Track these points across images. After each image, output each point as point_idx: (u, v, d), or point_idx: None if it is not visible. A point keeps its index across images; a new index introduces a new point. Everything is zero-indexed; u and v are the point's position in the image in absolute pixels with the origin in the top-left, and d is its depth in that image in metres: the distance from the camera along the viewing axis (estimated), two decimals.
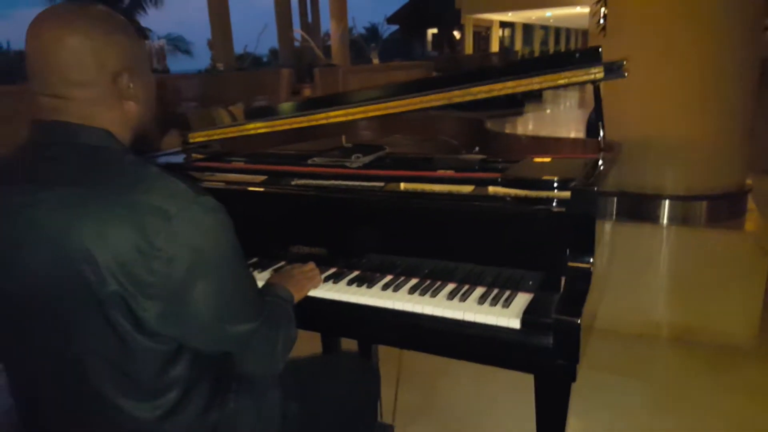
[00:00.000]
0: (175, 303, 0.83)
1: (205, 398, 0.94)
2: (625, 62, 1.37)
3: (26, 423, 1.00)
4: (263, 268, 1.42)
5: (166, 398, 0.89)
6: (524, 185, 1.24)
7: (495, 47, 24.10)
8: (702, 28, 2.12)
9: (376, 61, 13.75)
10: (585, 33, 19.15)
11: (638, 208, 2.30)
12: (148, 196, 0.82)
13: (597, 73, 1.38)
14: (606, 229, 1.42)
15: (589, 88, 1.52)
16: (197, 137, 1.93)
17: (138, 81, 0.93)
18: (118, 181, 0.84)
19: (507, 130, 2.48)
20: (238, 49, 13.37)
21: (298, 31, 14.31)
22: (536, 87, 1.47)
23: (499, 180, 1.28)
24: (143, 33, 21.08)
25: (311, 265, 1.32)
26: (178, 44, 22.27)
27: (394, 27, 28.86)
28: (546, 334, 1.08)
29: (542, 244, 1.19)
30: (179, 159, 1.83)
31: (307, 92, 9.05)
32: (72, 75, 0.86)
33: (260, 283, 1.21)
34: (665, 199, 2.25)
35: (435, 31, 29.57)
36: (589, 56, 1.41)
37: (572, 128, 6.97)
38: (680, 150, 2.22)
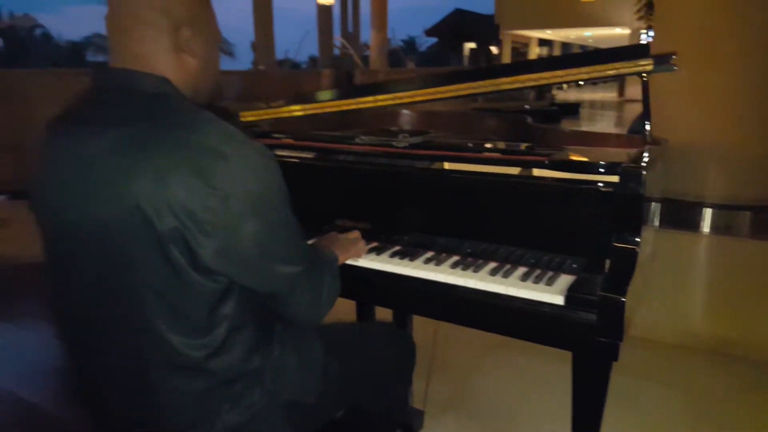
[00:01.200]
0: (228, 240, 0.87)
1: (250, 341, 0.97)
2: (674, 56, 1.38)
3: (75, 360, 1.04)
4: (309, 239, 1.46)
5: (213, 336, 0.92)
6: (572, 168, 1.25)
7: None
8: (748, 34, 2.10)
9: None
10: None
11: (680, 215, 2.27)
12: (205, 137, 0.86)
13: (646, 65, 1.39)
14: (649, 233, 1.41)
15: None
16: (248, 116, 2.00)
17: (199, 39, 0.98)
18: (176, 123, 0.88)
19: None
20: (279, 55, 13.67)
21: (338, 39, 14.53)
22: (584, 77, 1.48)
23: (547, 162, 1.29)
24: None
25: (356, 233, 1.35)
26: (222, 46, 22.71)
27: (432, 40, 29.03)
28: (590, 310, 1.09)
29: (588, 226, 1.20)
30: None
31: None
32: (138, 10, 0.91)
33: None
34: (708, 207, 2.22)
35: (473, 45, 29.63)
36: (639, 50, 1.42)
37: None
38: (725, 158, 2.20)
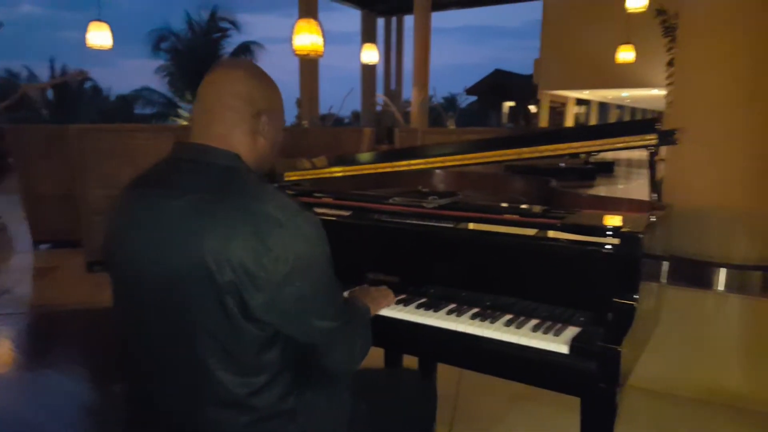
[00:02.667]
0: (276, 294, 1.02)
1: (287, 384, 1.11)
2: (677, 131, 1.53)
3: (134, 395, 1.19)
4: (343, 290, 1.63)
5: (258, 378, 1.07)
6: (580, 231, 1.40)
7: (570, 122, 24.23)
8: (761, 106, 2.24)
9: (452, 127, 14.22)
10: (661, 114, 19.01)
11: (694, 274, 2.36)
12: (265, 205, 1.03)
13: (651, 139, 1.55)
14: (652, 290, 1.53)
15: (662, 166, 1.68)
16: (292, 176, 2.22)
17: (272, 125, 1.18)
18: (242, 192, 1.05)
19: None
20: (323, 109, 14.27)
21: (380, 96, 15.08)
22: (596, 149, 1.65)
23: (559, 225, 1.45)
24: None
25: (385, 287, 1.51)
26: None
27: (472, 98, 29.71)
28: (591, 359, 1.22)
29: (592, 283, 1.34)
30: None
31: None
32: (227, 98, 1.11)
33: None
34: (722, 267, 2.30)
35: (512, 103, 30.13)
36: (646, 125, 1.58)
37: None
38: (738, 221, 2.29)
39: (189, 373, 1.07)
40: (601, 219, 1.49)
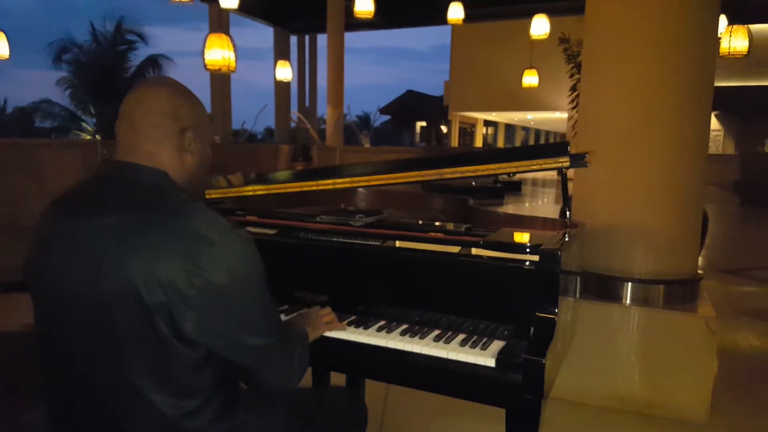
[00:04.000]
0: (208, 314, 1.01)
1: (219, 406, 1.09)
2: (587, 154, 1.65)
3: (58, 419, 1.12)
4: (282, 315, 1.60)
5: (191, 400, 1.05)
6: (502, 248, 1.47)
7: (479, 143, 25.34)
8: (658, 131, 2.46)
9: (367, 145, 14.40)
10: (563, 136, 20.42)
11: (604, 288, 2.54)
12: (194, 224, 1.02)
13: (564, 162, 1.66)
14: (569, 304, 1.63)
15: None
16: (213, 194, 2.16)
17: (198, 141, 1.16)
18: (170, 211, 1.04)
19: None
20: (235, 125, 13.97)
21: (295, 113, 15.01)
22: (513, 170, 1.74)
23: (481, 243, 1.51)
24: None
25: (328, 309, 1.49)
26: None
27: (386, 117, 30.31)
28: (516, 371, 1.27)
29: (515, 298, 1.41)
30: None
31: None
32: (152, 116, 1.09)
33: None
34: (628, 281, 2.49)
35: (424, 123, 31.02)
36: (559, 148, 1.69)
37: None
38: (641, 237, 2.49)
39: (117, 396, 1.03)
40: (520, 237, 1.57)
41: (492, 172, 1.75)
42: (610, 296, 2.52)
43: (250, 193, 2.13)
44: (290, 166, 7.50)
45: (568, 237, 1.57)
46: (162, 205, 1.05)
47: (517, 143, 31.54)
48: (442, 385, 1.38)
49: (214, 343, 1.05)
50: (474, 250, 1.52)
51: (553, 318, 1.33)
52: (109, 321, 1.00)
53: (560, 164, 1.68)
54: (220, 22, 11.49)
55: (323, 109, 15.30)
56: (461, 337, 1.42)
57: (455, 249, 1.54)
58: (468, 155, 1.81)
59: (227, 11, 11.43)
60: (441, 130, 25.49)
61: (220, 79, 12.39)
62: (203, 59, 7.40)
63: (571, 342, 1.74)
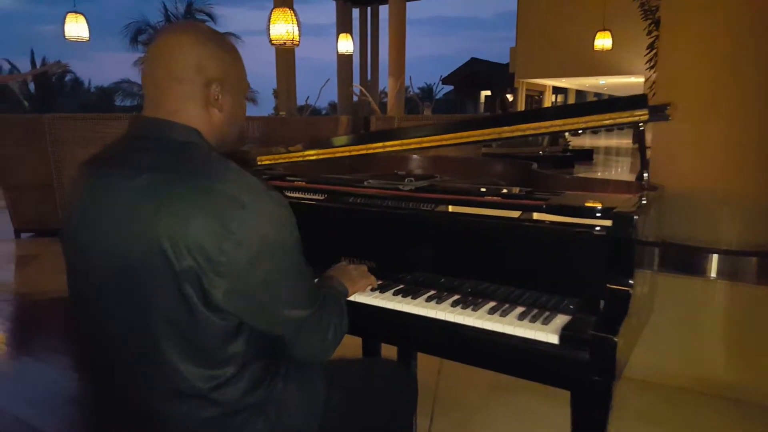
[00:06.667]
0: (239, 282, 0.93)
1: (255, 377, 1.02)
2: (668, 106, 1.44)
3: (98, 384, 1.10)
4: (316, 276, 1.52)
5: (222, 370, 0.98)
6: (568, 212, 1.31)
7: None
8: (747, 85, 2.17)
9: (429, 115, 14.13)
10: None
11: (686, 260, 2.29)
12: (226, 185, 0.94)
13: (641, 115, 1.46)
14: (645, 276, 1.44)
15: None
16: (264, 160, 2.10)
17: (227, 95, 1.06)
18: (201, 170, 0.96)
19: None
20: (300, 100, 14.07)
21: (357, 86, 14.92)
22: (582, 126, 1.55)
23: (545, 207, 1.35)
24: None
25: (364, 266, 1.42)
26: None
27: (449, 87, 29.66)
28: (583, 349, 1.12)
29: (583, 268, 1.25)
30: None
31: None
32: (174, 68, 1.01)
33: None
34: (714, 252, 2.24)
35: (488, 93, 30.18)
36: (635, 101, 1.49)
37: None
38: (731, 204, 2.23)
39: (148, 364, 0.98)
40: (590, 200, 1.40)
41: (557, 128, 1.57)
42: (693, 269, 2.28)
43: (300, 159, 2.05)
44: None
45: (645, 200, 1.39)
46: (191, 164, 0.97)
47: None
48: (498, 362, 1.25)
49: (244, 313, 0.98)
50: (536, 215, 1.36)
51: (628, 291, 1.16)
52: (138, 286, 0.94)
53: (637, 117, 1.48)
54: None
55: (385, 81, 15.13)
56: (520, 310, 1.28)
57: (514, 214, 1.39)
58: (530, 111, 1.64)
59: None
60: (506, 99, 24.67)
61: (286, 56, 12.44)
62: (268, 34, 7.43)
63: (647, 319, 1.56)
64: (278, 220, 0.98)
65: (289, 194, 1.74)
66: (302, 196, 1.71)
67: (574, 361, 1.13)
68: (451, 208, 1.48)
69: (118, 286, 0.97)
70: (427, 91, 34.76)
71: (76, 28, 8.80)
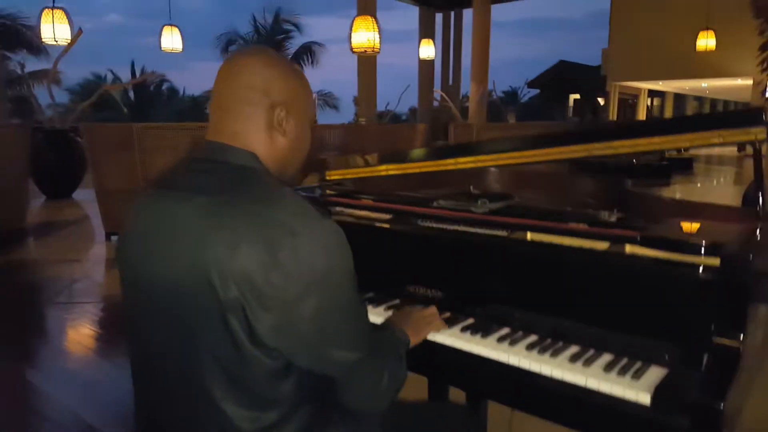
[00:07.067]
0: (285, 316, 0.86)
1: (304, 422, 0.95)
2: None
3: (140, 417, 1.07)
4: (377, 304, 1.43)
5: (268, 414, 0.91)
6: (668, 246, 1.12)
7: (642, 116, 23.01)
8: None
9: (512, 122, 13.77)
10: (746, 105, 17.69)
11: None
12: (277, 211, 0.88)
13: (758, 133, 1.25)
14: (762, 318, 1.23)
15: (748, 163, 1.38)
16: (333, 175, 2.04)
17: (292, 120, 1.01)
18: (253, 194, 0.91)
19: None
20: (380, 106, 14.16)
21: (438, 92, 14.82)
22: (686, 145, 1.35)
23: (639, 238, 1.18)
24: None
25: (433, 309, 1.29)
26: (327, 99, 24.15)
27: (534, 92, 28.78)
28: (681, 415, 0.95)
29: (683, 313, 1.07)
30: (314, 193, 1.93)
31: None
32: (239, 90, 0.97)
33: (373, 318, 1.21)
34: None
35: (577, 96, 29.00)
36: (750, 116, 1.28)
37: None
38: None
39: (190, 398, 0.93)
40: (692, 231, 1.21)
41: (655, 147, 1.38)
42: None
43: (370, 174, 1.97)
44: (427, 144, 7.37)
45: (761, 234, 1.18)
46: (243, 188, 0.92)
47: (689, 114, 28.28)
48: (577, 420, 1.09)
49: (290, 351, 0.90)
50: (628, 248, 1.19)
51: (738, 348, 0.98)
52: (184, 314, 0.90)
53: (752, 136, 1.27)
54: (366, 6, 11.59)
55: (467, 85, 14.89)
56: (606, 358, 1.11)
57: (602, 245, 1.22)
58: (625, 126, 1.46)
59: None
60: (597, 103, 23.62)
61: (367, 64, 12.58)
62: (350, 43, 7.51)
63: (762, 365, 1.33)
64: (332, 250, 0.90)
65: (353, 212, 1.65)
66: (367, 215, 1.62)
67: (670, 427, 0.95)
68: (529, 235, 1.34)
69: (167, 313, 0.92)
70: (511, 95, 33.96)
71: (171, 40, 9.40)
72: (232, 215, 0.87)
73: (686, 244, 1.11)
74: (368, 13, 8.09)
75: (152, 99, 25.18)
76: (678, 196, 7.97)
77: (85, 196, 7.46)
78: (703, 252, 1.07)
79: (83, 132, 5.31)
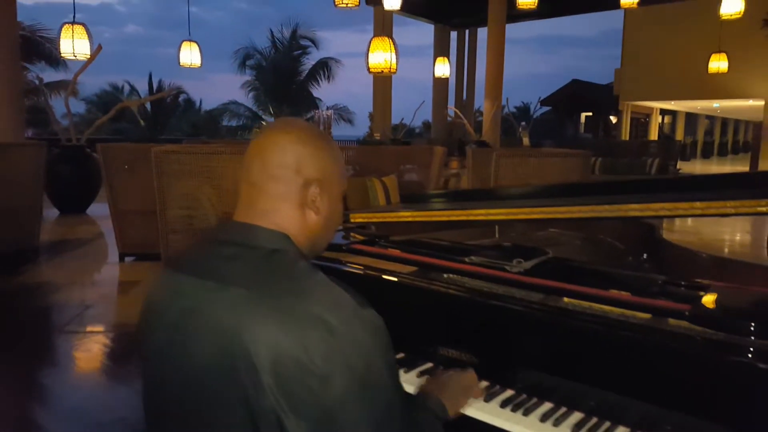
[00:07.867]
0: (324, 423, 0.79)
1: None
2: None
3: None
4: (409, 368, 1.37)
5: None
6: (724, 328, 1.06)
7: (654, 134, 22.90)
8: None
9: (525, 139, 13.72)
10: (758, 125, 17.50)
11: None
12: (312, 304, 0.81)
13: None
14: None
15: None
16: (357, 218, 2.00)
17: (325, 197, 0.97)
18: (286, 287, 0.84)
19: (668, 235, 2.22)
20: (395, 119, 14.21)
21: (452, 108, 14.84)
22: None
23: (687, 314, 1.12)
24: (314, 103, 23.51)
25: (471, 374, 1.22)
26: (343, 113, 24.14)
27: (546, 108, 28.70)
28: None
29: (739, 401, 1.01)
30: (339, 238, 1.88)
31: (454, 165, 9.25)
32: (272, 167, 0.93)
33: (405, 387, 1.15)
34: None
35: (589, 113, 28.93)
36: None
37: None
38: None
39: None
40: (748, 306, 1.15)
41: (698, 212, 1.32)
42: None
43: (395, 219, 1.93)
44: (445, 161, 7.34)
45: None
46: (276, 278, 0.86)
47: (700, 134, 28.12)
48: None
49: None
50: (672, 321, 1.13)
51: None
52: (206, 416, 0.83)
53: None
54: (383, 24, 11.67)
55: (481, 100, 14.90)
56: None
57: (645, 315, 1.16)
58: (665, 183, 1.41)
59: (391, 12, 11.56)
60: (610, 121, 23.54)
61: (382, 82, 12.65)
62: (366, 62, 7.52)
63: None
64: (371, 347, 0.83)
65: (380, 265, 1.60)
66: (394, 267, 1.56)
67: None
68: (566, 300, 1.28)
69: (187, 411, 0.87)
70: (523, 110, 33.96)
71: (190, 55, 9.49)
72: (262, 311, 0.81)
73: (740, 325, 1.04)
74: (385, 31, 8.13)
75: (168, 111, 25.34)
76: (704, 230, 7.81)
77: (99, 211, 7.43)
78: (762, 334, 1.01)
79: (99, 152, 5.30)
